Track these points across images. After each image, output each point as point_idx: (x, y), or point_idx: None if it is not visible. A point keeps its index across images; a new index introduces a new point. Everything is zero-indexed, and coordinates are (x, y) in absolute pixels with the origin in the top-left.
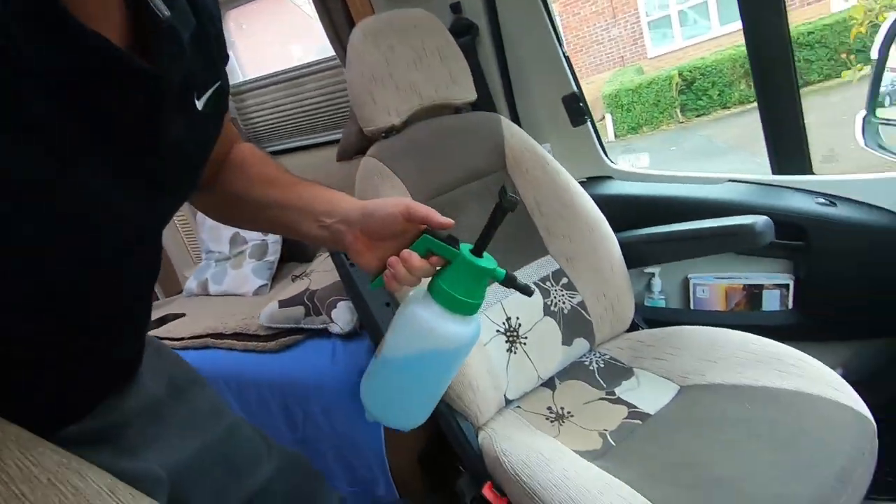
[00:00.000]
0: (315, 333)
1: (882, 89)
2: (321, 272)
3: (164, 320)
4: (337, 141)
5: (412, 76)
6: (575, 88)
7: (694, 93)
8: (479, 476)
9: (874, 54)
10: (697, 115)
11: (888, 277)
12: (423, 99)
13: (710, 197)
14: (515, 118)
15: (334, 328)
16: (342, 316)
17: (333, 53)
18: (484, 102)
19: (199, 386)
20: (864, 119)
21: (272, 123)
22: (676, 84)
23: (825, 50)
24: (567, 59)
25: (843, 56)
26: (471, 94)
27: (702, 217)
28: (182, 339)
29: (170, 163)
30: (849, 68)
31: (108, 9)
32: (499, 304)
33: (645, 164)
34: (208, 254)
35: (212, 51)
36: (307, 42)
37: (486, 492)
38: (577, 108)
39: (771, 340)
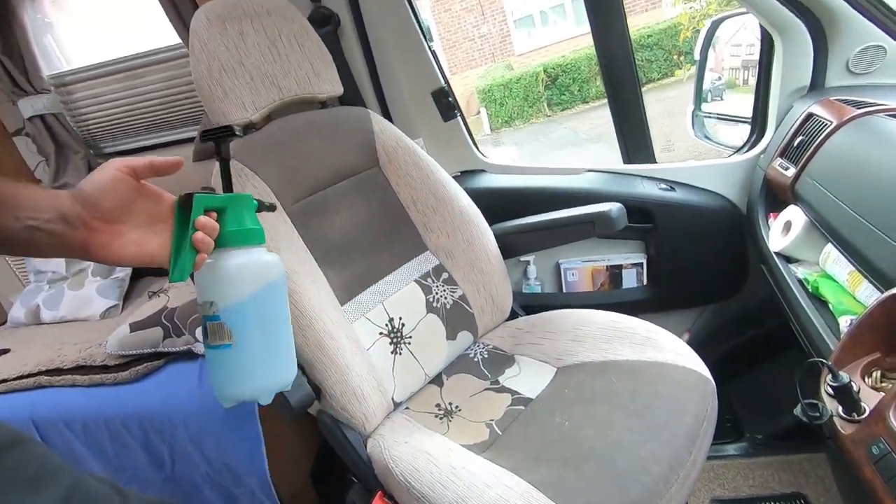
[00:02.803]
0: (177, 357)
1: (705, 87)
2: (180, 287)
3: None
4: (190, 139)
5: (268, 67)
6: (443, 83)
7: (558, 88)
8: (370, 486)
9: (696, 56)
10: (562, 109)
11: (719, 250)
12: (283, 92)
13: (573, 186)
14: (386, 113)
15: (200, 348)
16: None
17: (179, 41)
18: (351, 97)
19: (20, 446)
20: (692, 113)
21: (110, 121)
22: (542, 80)
23: (662, 51)
24: (434, 53)
25: (676, 57)
26: (337, 88)
27: (567, 205)
28: (5, 381)
29: None
30: (680, 68)
31: None
32: (380, 305)
33: (514, 156)
34: (38, 275)
35: None
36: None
37: (378, 502)
38: (446, 103)
39: (627, 316)
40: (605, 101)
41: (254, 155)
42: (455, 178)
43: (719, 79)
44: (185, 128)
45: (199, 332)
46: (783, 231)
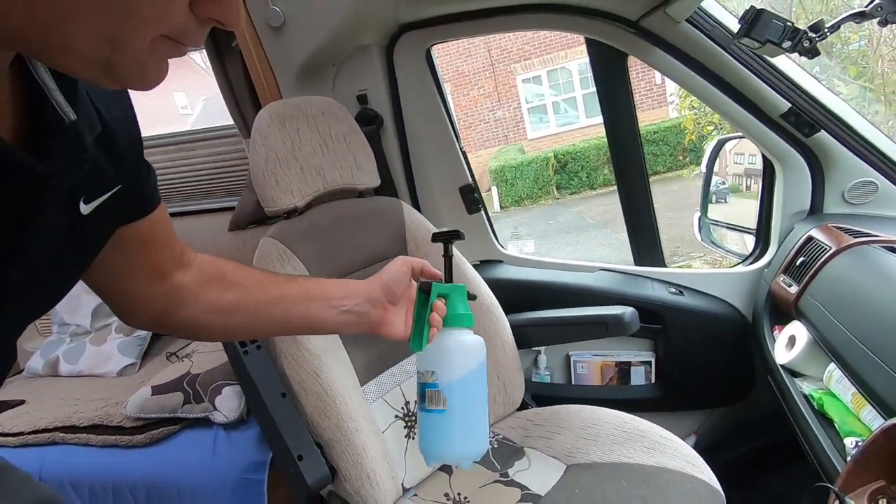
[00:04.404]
0: (194, 423)
1: (711, 189)
2: (204, 353)
3: None
4: (228, 208)
5: (317, 160)
6: (470, 180)
7: (567, 174)
8: None
9: (703, 169)
10: (570, 194)
11: (726, 355)
12: (327, 182)
13: (586, 284)
14: (416, 204)
15: (217, 417)
16: (227, 403)
17: (229, 122)
18: (386, 188)
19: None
20: (699, 219)
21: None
22: (552, 165)
23: (667, 147)
24: (464, 153)
25: (681, 157)
26: (374, 181)
27: (579, 301)
28: (21, 433)
29: (37, 265)
30: (685, 168)
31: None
32: (398, 387)
33: (531, 250)
34: (62, 327)
35: (117, 154)
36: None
37: None
38: (472, 198)
39: (638, 418)
40: (613, 188)
41: (295, 237)
42: (475, 266)
43: (723, 183)
44: (226, 198)
45: (217, 399)
46: (788, 345)
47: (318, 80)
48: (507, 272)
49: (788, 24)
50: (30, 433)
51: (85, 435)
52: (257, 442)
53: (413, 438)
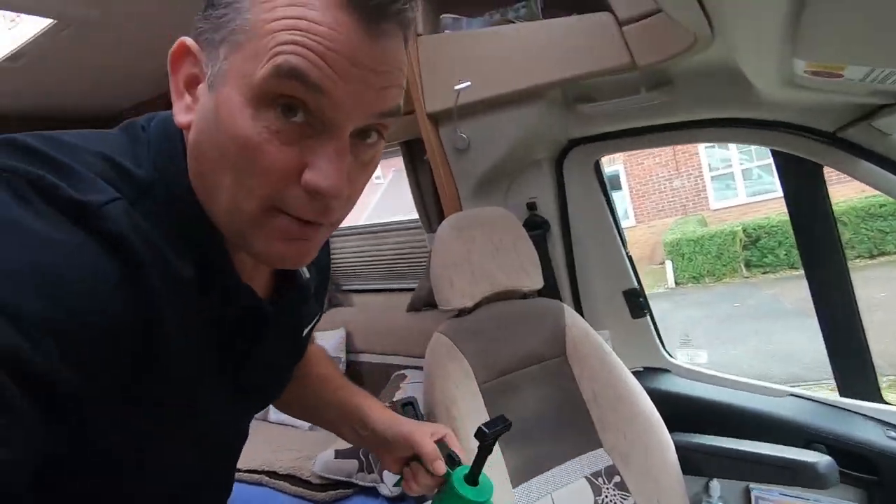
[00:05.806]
0: (364, 490)
1: None
2: None
3: None
4: (407, 289)
5: (488, 264)
6: (636, 284)
7: (759, 250)
8: None
9: None
10: (763, 272)
11: None
12: (494, 285)
13: (771, 412)
14: (578, 306)
15: (383, 489)
16: (392, 477)
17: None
18: (549, 289)
19: None
20: None
21: (350, 267)
22: (740, 240)
23: None
24: (630, 258)
25: None
26: (538, 283)
27: (760, 431)
28: (238, 469)
29: (272, 377)
30: None
31: (261, 272)
32: (549, 496)
33: (703, 360)
34: None
35: (322, 293)
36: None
37: None
38: (637, 303)
39: None
40: None
41: (461, 335)
42: (636, 372)
43: None
44: (405, 280)
45: (385, 474)
46: None
47: (494, 190)
48: (674, 384)
49: None
50: (245, 471)
51: (282, 482)
52: None
53: None
